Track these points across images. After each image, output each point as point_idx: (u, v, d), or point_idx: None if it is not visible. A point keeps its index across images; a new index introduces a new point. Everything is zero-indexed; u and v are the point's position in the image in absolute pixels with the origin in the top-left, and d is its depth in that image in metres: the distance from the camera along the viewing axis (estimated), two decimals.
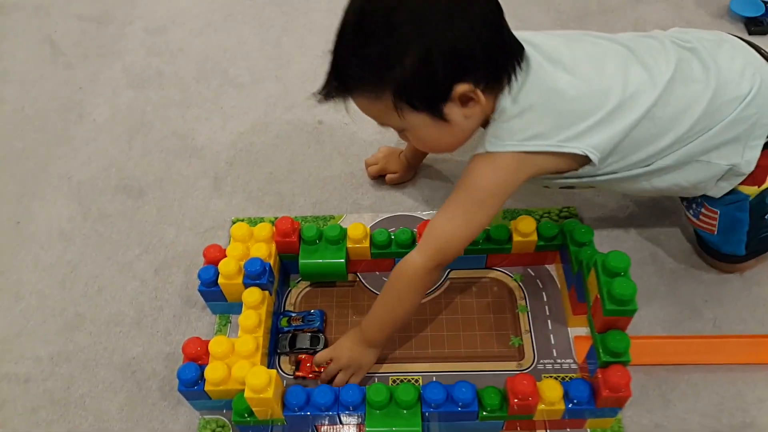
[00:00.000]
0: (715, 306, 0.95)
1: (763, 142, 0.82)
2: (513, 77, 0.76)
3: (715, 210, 0.89)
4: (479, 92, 0.73)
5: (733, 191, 0.86)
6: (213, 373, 0.80)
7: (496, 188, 0.79)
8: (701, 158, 0.82)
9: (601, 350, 0.74)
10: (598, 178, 0.83)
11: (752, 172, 0.84)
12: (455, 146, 0.84)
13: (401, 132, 0.81)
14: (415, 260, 0.82)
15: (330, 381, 0.88)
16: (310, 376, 0.90)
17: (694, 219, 0.92)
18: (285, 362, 0.93)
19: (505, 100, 0.77)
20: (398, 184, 1.15)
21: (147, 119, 1.32)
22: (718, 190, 0.87)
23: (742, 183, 0.86)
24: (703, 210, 0.91)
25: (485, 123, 0.81)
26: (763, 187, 0.85)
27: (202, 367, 0.82)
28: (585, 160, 0.78)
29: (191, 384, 0.81)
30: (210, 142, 1.26)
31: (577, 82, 0.76)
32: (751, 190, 0.86)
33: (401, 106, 0.74)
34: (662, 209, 1.07)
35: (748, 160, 0.83)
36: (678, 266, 1.00)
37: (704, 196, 0.89)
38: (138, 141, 1.28)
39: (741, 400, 0.86)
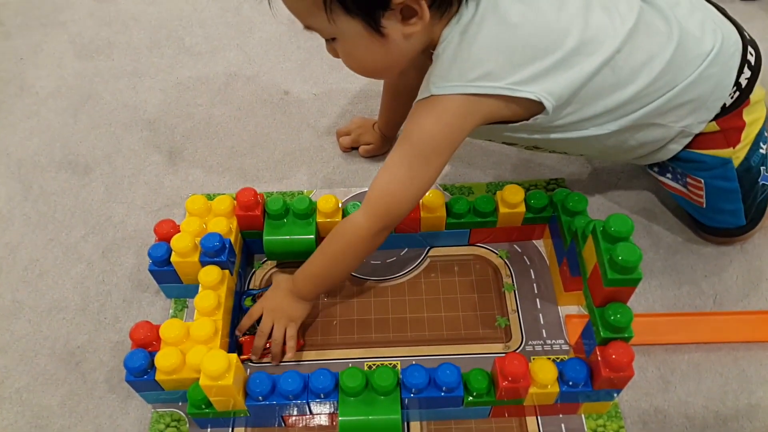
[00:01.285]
0: (715, 281, 0.91)
1: (721, 103, 0.79)
2: (464, 3, 0.69)
3: (699, 179, 0.85)
4: (424, 5, 0.66)
5: (711, 159, 0.82)
6: (164, 360, 0.72)
7: (442, 138, 0.73)
8: (657, 120, 0.79)
9: (600, 325, 0.69)
10: (552, 135, 0.78)
11: (725, 134, 0.81)
12: (389, 71, 0.79)
13: (329, 42, 0.74)
14: (358, 222, 0.78)
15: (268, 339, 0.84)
16: (255, 359, 0.83)
17: (683, 190, 0.88)
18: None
19: (453, 30, 0.70)
20: (373, 156, 1.08)
21: (95, 91, 1.24)
22: (666, 152, 0.85)
23: (716, 147, 0.83)
24: (688, 180, 0.86)
25: (428, 57, 0.74)
26: (739, 148, 0.81)
27: (152, 355, 0.74)
28: (538, 108, 0.73)
29: (140, 373, 0.74)
30: (164, 114, 1.18)
31: (534, 16, 0.71)
32: (726, 153, 0.82)
33: (332, 7, 0.66)
34: (654, 181, 1.03)
35: (702, 121, 0.80)
36: (675, 240, 0.96)
37: (680, 165, 0.86)
38: (85, 114, 1.20)
39: (746, 380, 0.82)
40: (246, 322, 0.85)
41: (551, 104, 0.71)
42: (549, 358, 0.75)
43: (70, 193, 1.07)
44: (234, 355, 0.69)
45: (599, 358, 0.69)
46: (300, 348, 0.85)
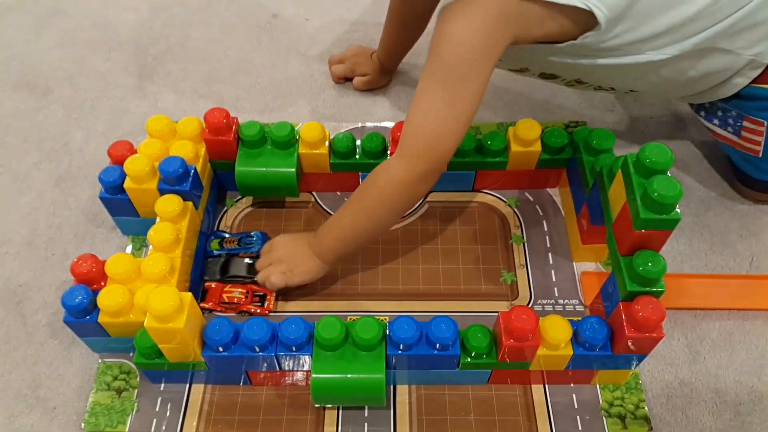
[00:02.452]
0: (752, 242, 0.81)
1: None
2: None
3: (761, 121, 0.74)
4: None
5: None
6: (108, 298, 0.62)
7: (478, 47, 0.60)
8: (724, 45, 0.68)
9: (626, 277, 0.59)
10: (601, 60, 0.66)
11: None
12: None
13: None
14: (395, 167, 0.66)
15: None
16: (220, 309, 0.73)
17: (734, 138, 0.77)
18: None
19: None
20: (369, 90, 0.97)
21: (60, 7, 1.13)
22: (730, 87, 0.74)
23: None
24: (744, 123, 0.75)
25: None
26: None
27: (96, 293, 0.64)
28: (588, 22, 0.61)
29: (80, 313, 0.64)
30: (136, 34, 1.07)
31: None
32: None
33: None
34: (686, 128, 0.92)
35: None
36: (708, 194, 0.85)
37: (740, 104, 0.73)
38: (48, 31, 1.09)
39: None
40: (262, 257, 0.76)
41: (604, 16, 0.60)
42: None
43: (26, 115, 0.97)
44: (188, 294, 0.59)
45: (623, 316, 0.59)
46: (272, 309, 0.75)
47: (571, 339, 0.62)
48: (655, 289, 0.58)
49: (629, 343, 0.60)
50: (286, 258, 0.73)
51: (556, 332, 0.61)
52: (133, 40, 1.07)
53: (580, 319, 0.64)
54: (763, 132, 0.74)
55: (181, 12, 1.10)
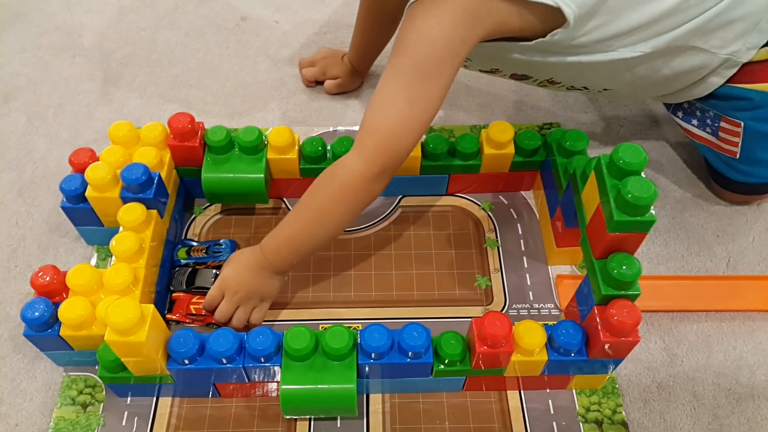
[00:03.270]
0: (729, 242, 0.81)
1: None
2: None
3: (737, 122, 0.74)
4: None
5: (758, 95, 0.72)
6: (69, 311, 0.61)
7: (444, 46, 0.59)
8: (698, 44, 0.68)
9: (600, 280, 0.58)
10: (571, 58, 0.66)
11: None
12: None
13: None
14: (351, 164, 0.64)
15: (228, 323, 0.71)
16: (187, 321, 0.71)
17: (712, 139, 0.78)
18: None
19: None
20: (340, 93, 0.96)
21: (23, 11, 1.11)
22: (706, 87, 0.75)
23: (763, 80, 0.72)
24: (722, 124, 0.76)
25: None
26: None
27: (57, 306, 0.62)
28: (557, 19, 0.61)
29: (41, 327, 0.62)
30: (101, 39, 1.06)
31: None
32: None
33: None
34: (661, 129, 0.93)
35: (752, 47, 0.70)
36: (684, 195, 0.86)
37: (717, 105, 0.74)
38: (9, 36, 1.07)
39: (763, 354, 0.73)
40: (209, 304, 0.72)
41: (573, 13, 0.59)
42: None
43: None
44: (150, 306, 0.58)
45: (597, 320, 0.58)
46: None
47: (546, 344, 0.62)
48: (630, 293, 0.58)
49: (605, 348, 0.59)
50: (247, 293, 0.70)
51: (531, 338, 0.60)
52: (98, 44, 1.05)
53: (555, 323, 0.63)
54: (740, 133, 0.75)
55: (147, 16, 1.09)
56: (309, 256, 0.74)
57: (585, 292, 0.62)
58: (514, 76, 0.74)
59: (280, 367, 0.62)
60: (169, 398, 0.69)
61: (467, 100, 0.96)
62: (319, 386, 0.61)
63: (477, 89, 0.97)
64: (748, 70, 0.71)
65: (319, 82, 0.98)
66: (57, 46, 1.05)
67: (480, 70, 0.75)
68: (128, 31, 1.07)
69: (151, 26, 1.07)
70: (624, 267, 0.57)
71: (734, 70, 0.73)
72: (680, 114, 0.81)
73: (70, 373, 0.70)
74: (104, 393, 0.69)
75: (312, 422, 0.67)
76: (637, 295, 0.58)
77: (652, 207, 0.55)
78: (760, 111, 0.73)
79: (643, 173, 0.57)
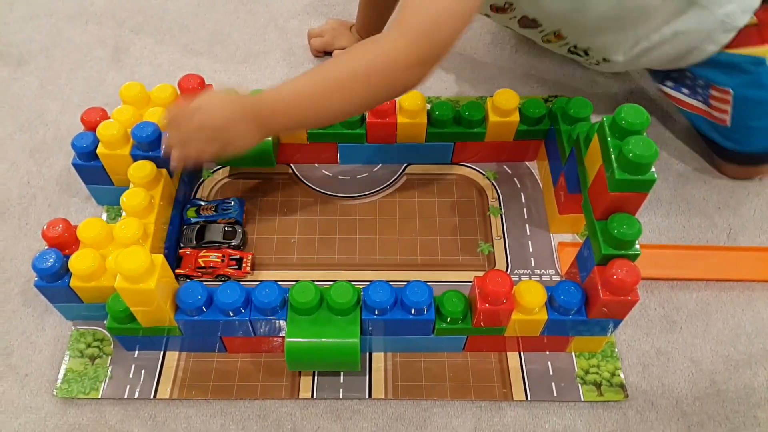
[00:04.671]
0: (730, 215, 0.81)
1: None
2: None
3: (726, 89, 0.74)
4: None
5: (744, 60, 0.72)
6: (80, 262, 0.62)
7: None
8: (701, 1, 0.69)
9: (601, 240, 0.59)
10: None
11: (760, 28, 0.71)
12: None
13: None
14: (390, 43, 0.57)
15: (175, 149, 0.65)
16: (197, 274, 0.72)
17: (703, 107, 0.78)
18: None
19: None
20: None
21: None
22: (699, 53, 0.75)
23: (749, 43, 0.73)
24: (712, 92, 0.76)
25: None
26: None
27: (68, 257, 0.63)
28: None
29: (51, 277, 0.63)
30: (112, 6, 1.06)
31: None
32: (762, 51, 0.71)
33: None
34: (667, 103, 0.92)
35: (746, 8, 0.70)
36: (686, 168, 0.86)
37: (705, 72, 0.75)
38: (23, 3, 1.08)
39: (761, 323, 0.73)
40: (169, 118, 0.63)
41: None
42: None
43: (0, 86, 0.95)
44: (160, 256, 0.58)
45: (598, 279, 0.59)
46: (248, 271, 0.74)
47: (546, 303, 0.62)
48: (630, 252, 0.59)
49: (604, 308, 0.60)
50: (217, 130, 0.61)
51: (531, 296, 0.61)
52: (110, 12, 1.05)
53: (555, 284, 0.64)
54: (730, 101, 0.75)
55: None
56: (304, 128, 0.68)
57: (585, 255, 0.63)
58: (524, 21, 0.73)
59: (286, 320, 0.62)
60: (176, 352, 0.70)
61: (473, 73, 0.97)
62: (324, 340, 0.61)
63: (483, 62, 0.97)
64: (737, 35, 0.71)
65: (328, 53, 0.98)
66: (69, 13, 1.06)
67: (492, 5, 0.74)
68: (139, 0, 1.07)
69: None
70: (625, 227, 0.58)
71: (729, 36, 0.73)
72: (669, 84, 0.81)
73: (79, 327, 0.71)
74: (112, 346, 0.70)
75: (316, 377, 0.68)
76: (637, 255, 0.59)
77: (653, 167, 0.56)
78: (746, 76, 0.73)
79: (645, 133, 0.57)
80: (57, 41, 1.01)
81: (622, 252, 0.59)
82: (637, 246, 0.59)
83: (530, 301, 0.61)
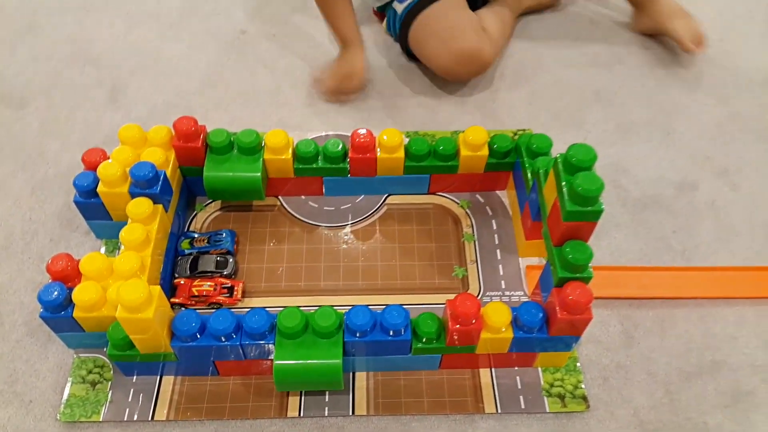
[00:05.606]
0: (685, 237, 0.87)
1: None
2: None
3: None
4: None
5: None
6: (83, 294, 0.66)
7: None
8: None
9: (558, 265, 0.64)
10: None
11: None
12: None
13: None
14: None
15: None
16: (190, 303, 0.77)
17: None
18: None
19: None
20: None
21: (37, 23, 1.16)
22: None
23: None
24: None
25: None
26: None
27: (71, 290, 0.68)
28: None
29: (56, 308, 0.67)
30: (110, 49, 1.11)
31: None
32: None
33: None
34: (629, 133, 0.99)
35: None
36: (644, 194, 0.91)
37: None
38: (24, 46, 1.12)
39: (711, 337, 0.78)
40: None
41: None
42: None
43: (2, 127, 1.01)
44: (157, 287, 0.63)
45: (555, 300, 0.64)
46: (239, 298, 0.79)
47: (512, 323, 0.67)
48: (583, 275, 0.64)
49: (563, 325, 0.65)
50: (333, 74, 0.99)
51: (498, 317, 0.66)
52: (107, 54, 1.11)
53: (519, 305, 0.69)
54: None
55: (152, 28, 1.15)
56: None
57: (546, 277, 0.68)
58: None
59: (274, 344, 0.67)
60: (172, 377, 0.74)
61: (447, 108, 1.02)
62: (309, 361, 0.66)
63: (455, 99, 1.03)
64: None
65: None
66: (68, 56, 1.11)
67: None
68: (135, 42, 1.13)
69: (156, 37, 1.13)
70: (577, 253, 0.63)
71: None
72: None
73: (80, 354, 0.75)
74: (112, 372, 0.74)
75: (302, 397, 0.72)
76: (590, 278, 0.64)
77: (600, 198, 0.61)
78: None
79: (593, 169, 0.63)
80: (56, 83, 1.06)
81: (577, 275, 0.64)
82: (590, 269, 0.64)
83: (497, 321, 0.66)
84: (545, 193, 0.70)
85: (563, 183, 0.62)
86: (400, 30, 1.04)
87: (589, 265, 0.64)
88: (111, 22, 1.16)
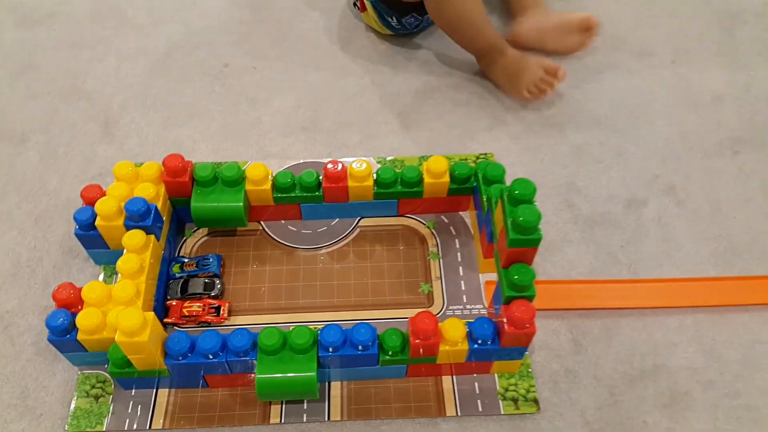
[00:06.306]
0: (631, 251, 0.96)
1: None
2: None
3: None
4: None
5: None
6: (85, 319, 0.74)
7: None
8: None
9: (505, 285, 0.73)
10: None
11: None
12: None
13: None
14: None
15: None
16: (182, 322, 0.85)
17: None
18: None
19: None
20: None
21: (34, 61, 1.24)
22: None
23: None
24: None
25: None
26: None
27: (74, 315, 0.76)
28: None
29: (62, 332, 0.76)
30: (102, 84, 1.19)
31: None
32: None
33: None
34: (581, 155, 1.07)
35: None
36: (595, 212, 1.00)
37: None
38: (22, 84, 1.20)
39: (652, 343, 0.87)
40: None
41: None
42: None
43: (5, 162, 1.08)
44: (151, 314, 0.72)
45: (504, 316, 0.73)
46: (226, 317, 0.87)
47: (467, 336, 0.76)
48: (527, 294, 0.73)
49: (510, 339, 0.74)
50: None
51: (454, 331, 0.75)
52: (100, 90, 1.18)
53: (473, 320, 0.77)
54: None
55: (141, 64, 1.22)
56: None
57: (497, 293, 0.77)
58: None
59: (256, 360, 0.75)
60: (167, 389, 0.82)
61: (417, 133, 1.11)
62: (287, 375, 0.74)
63: (423, 125, 1.12)
64: None
65: None
66: (64, 92, 1.18)
67: None
68: (125, 77, 1.21)
69: (145, 72, 1.21)
70: (521, 274, 0.72)
71: None
72: None
73: (85, 371, 0.83)
74: (113, 386, 0.82)
75: (283, 405, 0.80)
76: (533, 296, 0.73)
77: (540, 227, 0.70)
78: None
79: (534, 201, 0.71)
80: (54, 119, 1.14)
81: (522, 294, 0.73)
82: (534, 288, 0.73)
83: (453, 335, 0.75)
84: (495, 219, 0.78)
85: (507, 214, 0.71)
86: None
87: (533, 283, 0.72)
88: (102, 58, 1.23)
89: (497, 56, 1.11)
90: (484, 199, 0.87)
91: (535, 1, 1.18)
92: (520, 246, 0.70)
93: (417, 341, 0.74)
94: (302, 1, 1.34)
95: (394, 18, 1.18)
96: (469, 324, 0.76)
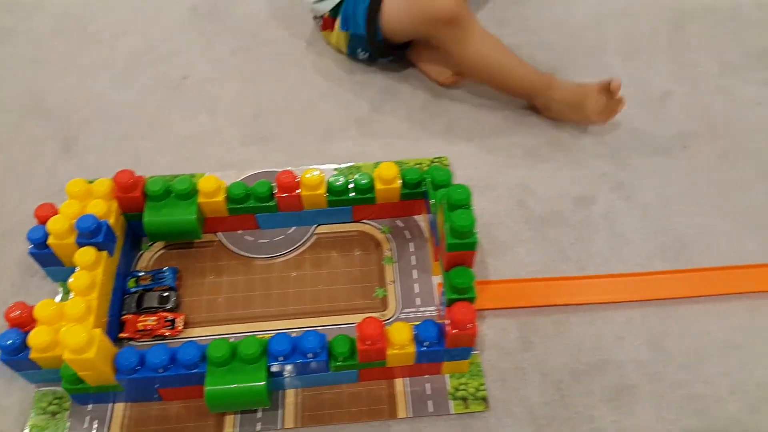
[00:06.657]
0: (580, 248, 0.97)
1: None
2: None
3: None
4: None
5: None
6: (37, 338, 0.74)
7: None
8: None
9: (447, 288, 0.73)
10: None
11: None
12: None
13: None
14: None
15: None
16: (137, 336, 0.85)
17: None
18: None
19: None
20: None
21: None
22: None
23: None
24: None
25: None
26: None
27: (26, 334, 0.76)
28: None
29: (14, 352, 0.76)
30: (63, 101, 1.19)
31: None
32: None
33: None
34: (536, 153, 1.08)
35: None
36: (546, 211, 1.01)
37: None
38: None
39: (599, 339, 0.88)
40: None
41: None
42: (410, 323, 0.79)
43: None
44: (98, 330, 0.72)
45: (447, 317, 0.73)
46: (181, 330, 0.88)
47: (414, 339, 0.76)
48: (468, 296, 0.73)
49: (454, 339, 0.74)
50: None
51: (400, 335, 0.75)
52: (61, 105, 1.18)
53: (419, 323, 0.78)
54: None
55: (102, 78, 1.22)
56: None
57: (442, 298, 0.77)
58: None
59: (205, 372, 0.76)
60: (122, 404, 0.82)
61: (372, 141, 1.11)
62: (236, 385, 0.75)
63: (381, 131, 1.12)
64: None
65: None
66: (24, 109, 1.18)
67: None
68: (86, 92, 1.20)
69: (106, 87, 1.21)
70: (461, 278, 0.73)
71: None
72: None
73: (41, 388, 0.84)
74: (69, 402, 0.82)
75: (237, 414, 0.81)
76: (474, 298, 0.73)
77: (475, 231, 0.71)
78: None
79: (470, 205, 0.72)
80: (15, 137, 1.14)
81: (463, 296, 0.73)
82: (474, 290, 0.73)
83: (399, 338, 0.75)
84: (439, 224, 0.79)
85: (446, 219, 0.72)
86: (367, 15, 1.08)
87: (473, 285, 0.73)
88: (62, 74, 1.23)
89: (548, 92, 1.06)
90: (432, 204, 0.88)
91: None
92: (458, 249, 0.71)
93: (365, 346, 0.74)
94: (261, 12, 1.34)
95: (367, 54, 1.17)
96: (415, 327, 0.77)
